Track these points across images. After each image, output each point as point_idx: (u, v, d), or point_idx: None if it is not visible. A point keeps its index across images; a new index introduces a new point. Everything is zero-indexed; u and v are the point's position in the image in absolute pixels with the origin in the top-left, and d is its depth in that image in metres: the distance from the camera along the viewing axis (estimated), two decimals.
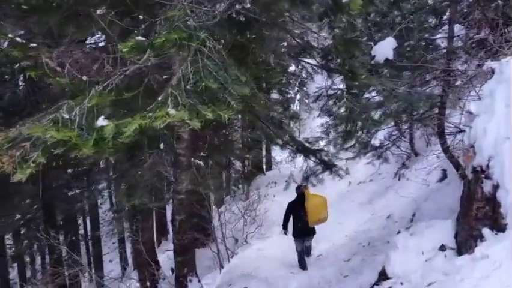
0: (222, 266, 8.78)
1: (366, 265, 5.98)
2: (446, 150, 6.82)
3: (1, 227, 12.21)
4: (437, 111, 6.84)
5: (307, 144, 6.75)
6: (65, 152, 2.71)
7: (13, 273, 17.11)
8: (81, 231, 18.35)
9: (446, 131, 8.54)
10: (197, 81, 2.98)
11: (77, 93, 3.29)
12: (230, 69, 3.26)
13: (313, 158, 6.61)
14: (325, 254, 8.33)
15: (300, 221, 7.51)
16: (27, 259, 18.04)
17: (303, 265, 7.80)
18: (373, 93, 9.00)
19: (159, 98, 2.95)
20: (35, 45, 3.41)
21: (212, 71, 3.09)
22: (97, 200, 16.56)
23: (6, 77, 7.45)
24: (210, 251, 10.05)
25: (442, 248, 4.81)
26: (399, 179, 10.66)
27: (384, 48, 6.03)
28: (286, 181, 10.89)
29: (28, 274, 17.79)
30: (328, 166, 6.58)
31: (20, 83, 8.63)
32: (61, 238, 17.73)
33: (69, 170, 12.56)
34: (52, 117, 2.91)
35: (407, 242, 5.17)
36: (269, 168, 19.85)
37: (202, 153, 7.04)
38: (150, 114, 2.77)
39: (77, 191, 13.62)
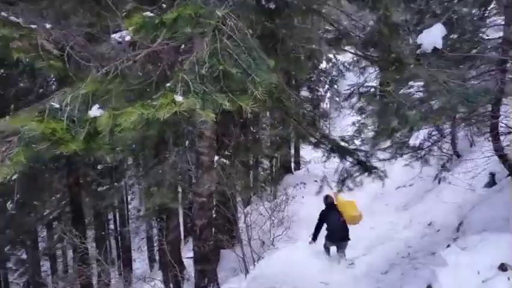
0: (247, 271, 8.21)
1: (408, 281, 5.24)
2: (499, 152, 5.98)
3: (31, 221, 12.11)
4: (489, 109, 6.00)
5: (343, 143, 6.05)
6: (50, 149, 2.17)
7: (45, 267, 17.18)
8: (112, 227, 18.30)
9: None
10: (213, 65, 2.39)
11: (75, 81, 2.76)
12: (254, 53, 2.64)
13: (350, 159, 5.89)
14: (358, 263, 7.60)
15: (335, 226, 7.30)
16: (59, 252, 18.08)
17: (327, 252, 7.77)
18: (411, 89, 8.25)
19: (167, 85, 2.38)
20: (33, 27, 2.93)
21: (232, 53, 2.49)
22: (126, 196, 16.34)
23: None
24: (236, 253, 9.53)
25: (502, 267, 4.05)
26: (439, 183, 9.76)
27: (432, 36, 5.24)
28: (320, 185, 10.15)
29: (60, 267, 17.85)
30: (367, 168, 5.86)
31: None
32: (91, 233, 17.74)
33: (99, 166, 12.34)
34: (41, 107, 2.39)
35: (457, 257, 4.41)
36: (298, 167, 19.15)
37: (227, 152, 6.51)
38: (154, 103, 2.20)
39: (105, 186, 13.42)
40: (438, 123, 7.77)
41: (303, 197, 11.75)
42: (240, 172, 6.76)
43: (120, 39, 5.26)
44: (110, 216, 18.02)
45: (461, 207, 7.34)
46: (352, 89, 18.27)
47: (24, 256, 15.32)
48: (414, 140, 9.85)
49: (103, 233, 15.05)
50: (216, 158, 7.59)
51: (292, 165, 18.83)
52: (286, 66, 6.03)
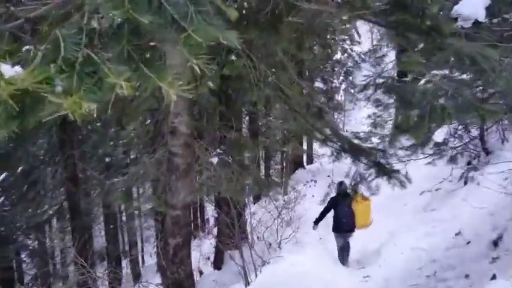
0: (248, 283, 7.15)
1: None
2: None
3: (28, 217, 11.33)
4: None
5: (356, 141, 4.86)
6: None
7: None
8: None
9: None
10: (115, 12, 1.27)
11: None
12: None
13: (364, 160, 4.73)
14: (374, 277, 6.46)
15: (344, 216, 7.18)
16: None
17: (343, 261, 7.44)
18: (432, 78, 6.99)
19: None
20: None
21: None
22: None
23: None
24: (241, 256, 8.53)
25: None
26: (465, 184, 8.47)
27: (472, 6, 4.02)
28: (326, 192, 8.99)
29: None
30: (385, 171, 4.69)
31: None
32: (98, 227, 16.96)
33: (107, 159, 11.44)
34: None
35: None
36: (310, 162, 17.97)
37: (218, 151, 5.44)
38: None
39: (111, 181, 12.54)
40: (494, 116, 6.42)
41: (313, 195, 10.62)
42: (237, 172, 5.65)
43: None
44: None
45: (495, 215, 6.09)
46: (368, 80, 16.74)
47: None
48: (438, 135, 8.61)
49: (111, 226, 14.31)
50: (214, 153, 6.52)
51: (305, 159, 17.65)
52: (287, 46, 4.87)
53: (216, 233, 9.96)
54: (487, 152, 8.79)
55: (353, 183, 6.68)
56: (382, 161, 4.71)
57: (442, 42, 3.03)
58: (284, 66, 6.18)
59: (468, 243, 6.03)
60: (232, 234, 8.30)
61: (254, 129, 10.97)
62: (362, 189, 5.87)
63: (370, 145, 5.05)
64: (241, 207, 8.61)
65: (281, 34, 5.08)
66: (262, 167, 15.12)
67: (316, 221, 7.67)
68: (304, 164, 16.99)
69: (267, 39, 5.25)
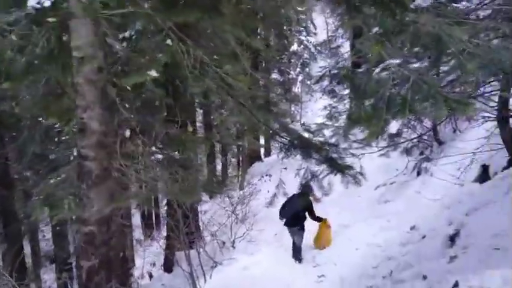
0: None
1: None
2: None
3: None
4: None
5: (307, 135, 4.34)
6: None
7: None
8: None
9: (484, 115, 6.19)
10: None
11: None
12: None
13: (316, 156, 4.23)
14: (329, 276, 6.07)
15: (292, 210, 7.26)
16: None
17: (297, 257, 7.25)
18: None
19: None
20: None
21: None
22: None
23: None
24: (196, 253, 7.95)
25: None
26: (418, 174, 8.27)
27: None
28: (274, 193, 8.58)
29: None
30: (338, 167, 4.21)
31: None
32: None
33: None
34: None
35: None
36: (268, 154, 17.54)
37: (155, 148, 4.82)
38: None
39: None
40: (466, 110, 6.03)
41: (268, 191, 10.15)
42: (182, 171, 5.02)
43: None
44: None
45: (451, 209, 5.84)
46: (324, 71, 16.39)
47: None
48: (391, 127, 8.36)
49: (57, 228, 13.22)
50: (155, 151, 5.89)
51: (263, 151, 17.19)
52: (233, 31, 4.29)
53: (164, 235, 9.27)
54: (440, 143, 8.64)
55: (303, 182, 6.43)
56: (334, 155, 4.24)
57: (403, 18, 2.54)
58: (236, 56, 5.59)
59: (423, 237, 5.74)
60: (178, 236, 7.71)
61: (207, 123, 10.32)
62: (314, 190, 5.53)
63: (322, 139, 4.56)
64: (187, 208, 8.00)
65: (224, 16, 4.50)
66: (219, 162, 14.51)
67: (279, 214, 7.61)
68: (262, 156, 16.52)
69: (208, 22, 4.65)
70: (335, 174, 4.40)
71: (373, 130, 6.05)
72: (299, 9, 23.66)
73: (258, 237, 8.64)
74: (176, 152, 6.39)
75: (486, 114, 5.77)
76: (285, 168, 12.10)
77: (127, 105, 7.25)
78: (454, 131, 8.42)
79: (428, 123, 8.48)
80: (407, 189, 7.97)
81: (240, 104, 4.06)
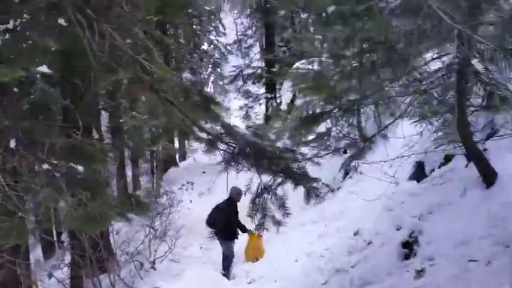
0: None
1: None
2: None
3: None
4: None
5: (252, 138, 3.32)
6: None
7: None
8: None
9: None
10: None
11: None
12: None
13: (271, 166, 3.26)
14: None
15: (217, 223, 6.78)
16: None
17: (226, 271, 6.63)
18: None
19: None
20: None
21: None
22: None
23: None
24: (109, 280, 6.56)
25: None
26: (346, 174, 7.89)
27: None
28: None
29: None
30: (300, 180, 3.33)
31: None
32: None
33: None
34: None
35: None
36: (183, 158, 16.31)
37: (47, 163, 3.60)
38: None
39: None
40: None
41: (191, 201, 9.02)
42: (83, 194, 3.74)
43: None
44: None
45: (394, 210, 5.40)
46: (237, 71, 15.44)
47: None
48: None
49: None
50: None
51: (177, 155, 15.88)
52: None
53: (68, 262, 7.63)
54: (365, 139, 8.36)
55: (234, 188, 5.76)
56: (293, 165, 3.39)
57: None
58: (148, 49, 4.45)
59: (369, 243, 5.21)
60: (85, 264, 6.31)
61: (115, 127, 8.82)
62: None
63: (274, 143, 3.67)
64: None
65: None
66: (129, 171, 12.87)
67: (207, 223, 7.05)
68: (177, 161, 15.24)
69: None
70: (295, 187, 3.56)
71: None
72: (207, 8, 22.76)
73: (181, 254, 7.53)
74: (79, 166, 5.04)
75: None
76: (204, 172, 11.06)
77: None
78: (378, 127, 8.19)
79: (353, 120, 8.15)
80: (339, 190, 7.51)
81: (168, 102, 3.00)
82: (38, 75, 6.56)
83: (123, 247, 8.39)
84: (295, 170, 3.35)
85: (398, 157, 6.11)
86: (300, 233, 6.68)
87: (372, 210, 5.93)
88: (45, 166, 4.34)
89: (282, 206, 3.60)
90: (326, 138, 7.62)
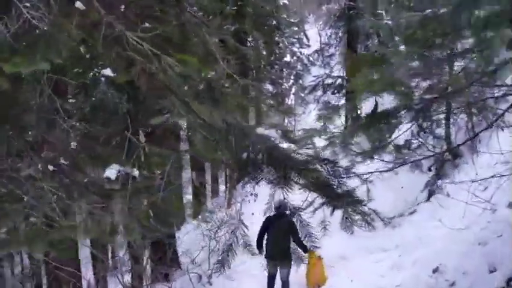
0: None
1: None
2: None
3: None
4: None
5: (271, 143, 2.49)
6: None
7: None
8: None
9: None
10: None
11: None
12: None
13: (297, 179, 2.51)
14: None
15: (275, 243, 5.75)
16: None
17: None
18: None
19: None
20: None
21: None
22: None
23: None
24: None
25: None
26: (430, 196, 6.58)
27: None
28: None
29: None
30: (337, 201, 2.50)
31: None
32: None
33: None
34: None
35: None
36: None
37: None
38: None
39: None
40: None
41: (252, 213, 8.42)
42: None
43: None
44: None
45: (488, 244, 4.14)
46: (317, 80, 14.46)
47: None
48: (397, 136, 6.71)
49: None
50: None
51: None
52: None
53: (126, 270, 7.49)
54: (455, 155, 6.98)
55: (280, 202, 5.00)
56: (329, 179, 2.56)
57: None
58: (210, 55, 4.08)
59: (452, 285, 4.03)
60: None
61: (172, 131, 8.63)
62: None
63: (310, 151, 2.87)
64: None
65: None
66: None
67: (258, 245, 6.02)
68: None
69: None
70: (332, 211, 2.72)
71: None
72: (292, 20, 22.43)
73: (237, 271, 6.92)
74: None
75: None
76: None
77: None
78: (471, 140, 6.76)
79: (441, 131, 6.84)
80: (417, 213, 6.27)
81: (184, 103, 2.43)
82: (102, 78, 6.53)
83: (187, 254, 8.15)
84: (331, 185, 2.50)
85: (494, 176, 4.78)
86: (368, 262, 5.62)
87: (459, 242, 4.68)
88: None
89: (308, 235, 2.77)
90: (404, 151, 6.47)
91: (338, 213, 3.52)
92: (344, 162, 3.31)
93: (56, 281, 5.35)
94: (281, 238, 5.68)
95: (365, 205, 2.73)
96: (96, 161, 4.86)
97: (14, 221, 2.73)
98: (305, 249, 5.70)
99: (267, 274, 5.98)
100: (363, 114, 13.77)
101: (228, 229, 7.83)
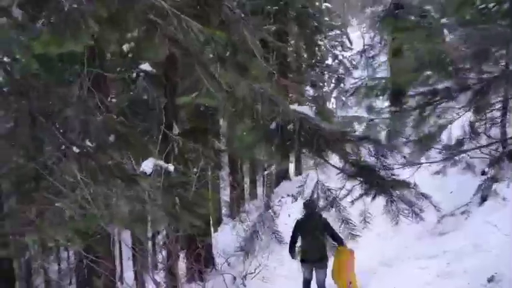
0: None
1: None
2: None
3: None
4: None
5: (299, 114, 2.20)
6: None
7: None
8: None
9: None
10: None
11: None
12: None
13: (348, 167, 2.20)
14: None
15: (310, 244, 5.42)
16: None
17: None
18: None
19: None
20: None
21: None
22: None
23: None
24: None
25: None
26: (484, 200, 5.99)
27: None
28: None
29: None
30: (384, 185, 2.21)
31: None
32: None
33: None
34: None
35: None
36: (299, 173, 15.50)
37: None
38: None
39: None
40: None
41: (289, 215, 8.14)
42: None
43: None
44: None
45: None
46: (359, 82, 13.90)
47: None
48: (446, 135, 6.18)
49: None
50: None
51: (292, 169, 15.18)
52: None
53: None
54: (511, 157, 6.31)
55: (308, 201, 4.73)
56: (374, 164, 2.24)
57: None
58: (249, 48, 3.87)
59: None
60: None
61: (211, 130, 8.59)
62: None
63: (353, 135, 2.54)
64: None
65: None
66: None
67: (291, 249, 5.64)
68: (290, 174, 14.52)
69: None
70: (373, 197, 2.39)
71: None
72: (334, 24, 21.96)
73: (273, 273, 6.67)
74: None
75: None
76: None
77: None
78: None
79: (495, 130, 6.23)
80: (471, 218, 5.72)
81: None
82: (142, 73, 6.54)
83: (222, 255, 8.02)
84: (371, 167, 2.19)
85: None
86: (414, 268, 5.16)
87: None
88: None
89: (346, 222, 2.47)
90: (454, 151, 5.97)
91: (380, 211, 3.20)
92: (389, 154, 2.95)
93: (91, 277, 5.37)
94: (315, 239, 5.37)
95: (414, 189, 2.38)
96: (132, 154, 4.83)
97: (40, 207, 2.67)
98: (342, 242, 5.31)
99: (302, 278, 5.69)
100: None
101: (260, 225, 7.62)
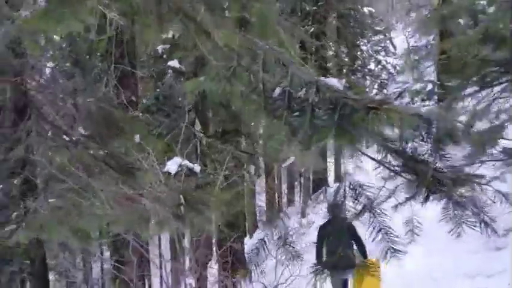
0: None
1: None
2: None
3: None
4: None
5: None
6: None
7: None
8: None
9: None
10: None
11: None
12: None
13: (393, 155, 1.66)
14: None
15: (336, 254, 4.48)
16: None
17: None
18: None
19: None
20: None
21: None
22: None
23: None
24: None
25: None
26: None
27: None
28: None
29: None
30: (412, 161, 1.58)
31: None
32: None
33: None
34: None
35: None
36: (338, 179, 14.73)
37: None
38: None
39: None
40: None
41: None
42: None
43: None
44: None
45: None
46: (404, 87, 13.01)
47: None
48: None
49: None
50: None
51: (332, 176, 14.45)
52: None
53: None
54: None
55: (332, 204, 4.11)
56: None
57: None
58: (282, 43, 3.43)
59: None
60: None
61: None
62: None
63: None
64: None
65: None
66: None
67: (317, 259, 4.93)
68: (331, 181, 13.82)
69: None
70: (426, 199, 1.75)
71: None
72: (377, 28, 21.06)
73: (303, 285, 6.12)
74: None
75: None
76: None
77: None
78: None
79: None
80: None
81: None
82: (169, 71, 6.27)
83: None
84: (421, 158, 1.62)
85: None
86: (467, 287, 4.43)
87: None
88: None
89: (385, 233, 1.91)
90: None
91: (432, 212, 2.57)
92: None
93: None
94: (341, 247, 4.74)
95: (487, 184, 1.77)
96: (157, 152, 4.54)
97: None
98: (365, 253, 4.67)
99: None
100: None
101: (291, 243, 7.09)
